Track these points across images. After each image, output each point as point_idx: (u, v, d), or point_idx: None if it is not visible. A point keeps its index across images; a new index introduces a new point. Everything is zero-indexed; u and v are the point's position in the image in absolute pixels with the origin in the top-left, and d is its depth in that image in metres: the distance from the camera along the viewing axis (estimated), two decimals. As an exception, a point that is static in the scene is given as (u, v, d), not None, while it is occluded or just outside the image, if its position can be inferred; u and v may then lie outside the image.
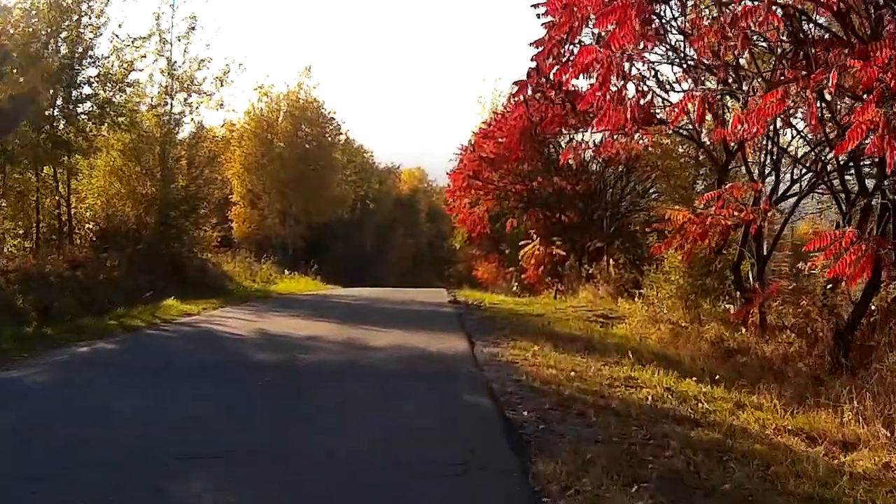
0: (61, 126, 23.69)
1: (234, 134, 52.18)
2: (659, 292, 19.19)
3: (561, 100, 21.75)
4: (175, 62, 28.82)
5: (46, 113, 23.16)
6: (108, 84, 24.63)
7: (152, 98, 29.06)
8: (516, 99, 24.85)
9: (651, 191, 34.05)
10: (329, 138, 55.03)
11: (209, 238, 35.24)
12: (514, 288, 34.47)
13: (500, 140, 31.32)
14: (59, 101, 23.72)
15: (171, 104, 29.59)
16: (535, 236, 34.43)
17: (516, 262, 46.00)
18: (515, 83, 13.67)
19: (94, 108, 24.23)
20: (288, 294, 31.09)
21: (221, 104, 31.84)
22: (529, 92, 14.41)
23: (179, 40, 28.76)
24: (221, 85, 30.61)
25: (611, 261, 30.71)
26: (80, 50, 23.71)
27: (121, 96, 25.48)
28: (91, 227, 26.58)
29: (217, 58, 52.93)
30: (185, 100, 30.09)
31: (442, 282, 68.18)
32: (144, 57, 26.23)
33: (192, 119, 31.26)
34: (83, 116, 24.26)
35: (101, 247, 25.00)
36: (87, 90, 24.32)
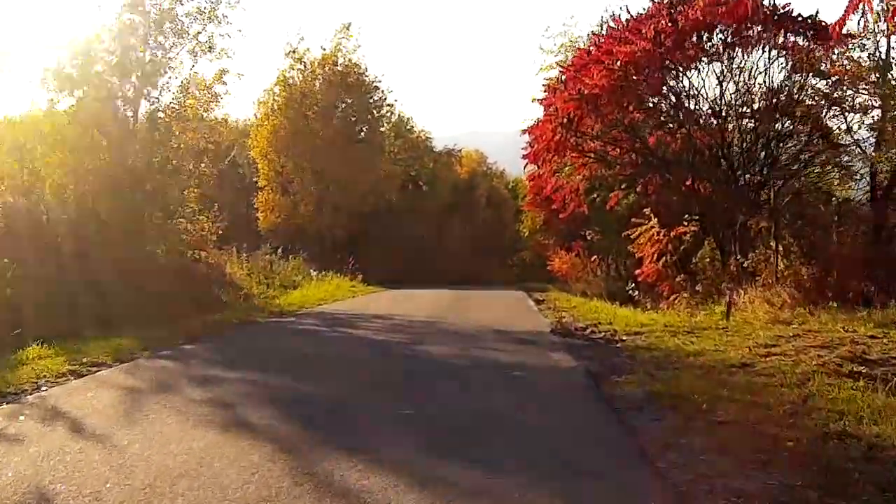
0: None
1: (261, 107, 40.99)
2: None
3: None
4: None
5: None
6: None
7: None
8: None
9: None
10: (374, 110, 43.01)
11: (199, 232, 23.97)
12: (630, 290, 22.12)
13: (611, 66, 18.95)
14: None
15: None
16: (651, 215, 22.05)
17: (610, 251, 33.75)
18: None
19: None
20: (299, 310, 19.94)
21: (211, 47, 22.34)
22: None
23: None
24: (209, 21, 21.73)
25: (779, 249, 18.55)
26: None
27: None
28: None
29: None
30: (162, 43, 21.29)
31: (507, 275, 56.93)
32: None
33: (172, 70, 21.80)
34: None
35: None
36: None
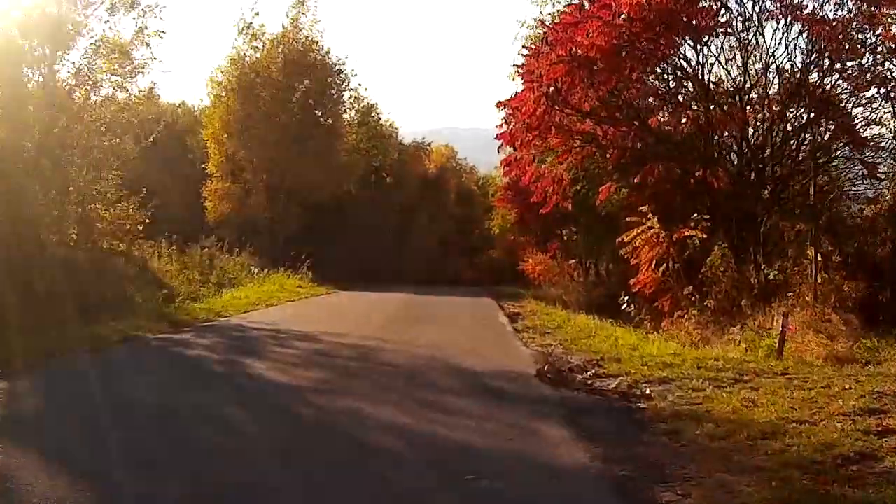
0: None
1: (213, 87, 36.17)
2: None
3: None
4: None
5: None
6: None
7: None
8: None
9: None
10: (334, 93, 38.18)
11: (117, 221, 20.09)
12: (624, 304, 17.51)
13: (611, 22, 14.32)
14: None
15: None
16: (649, 212, 17.53)
17: (590, 254, 29.33)
18: None
19: None
20: (216, 318, 15.39)
21: (133, 3, 18.63)
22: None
23: None
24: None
25: (817, 258, 14.32)
26: None
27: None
28: None
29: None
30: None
31: (475, 275, 52.54)
32: None
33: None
34: None
35: None
36: None
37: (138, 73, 19.90)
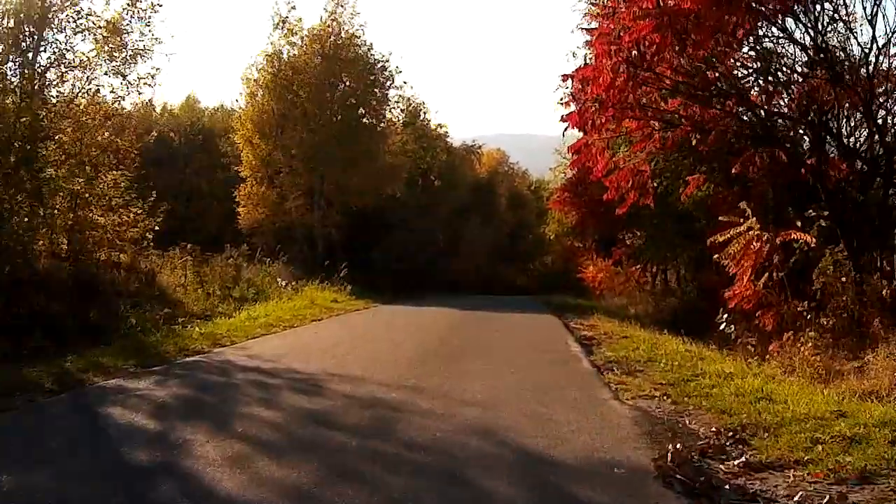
0: None
1: (246, 84, 33.02)
2: None
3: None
4: None
5: None
6: None
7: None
8: None
9: None
10: (378, 91, 34.66)
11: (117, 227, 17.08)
12: (723, 323, 13.53)
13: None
14: None
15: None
16: (748, 212, 13.60)
17: (658, 258, 25.41)
18: None
19: None
20: (212, 348, 11.82)
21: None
22: None
23: None
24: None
25: None
26: None
27: None
28: None
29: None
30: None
31: (529, 283, 49.10)
32: None
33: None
34: None
35: None
36: None
37: (138, 57, 16.69)
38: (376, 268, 34.44)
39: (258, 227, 32.56)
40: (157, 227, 18.40)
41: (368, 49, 34.46)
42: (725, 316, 13.50)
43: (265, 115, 32.51)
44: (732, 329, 13.30)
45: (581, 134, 13.81)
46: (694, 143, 13.77)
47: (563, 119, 13.42)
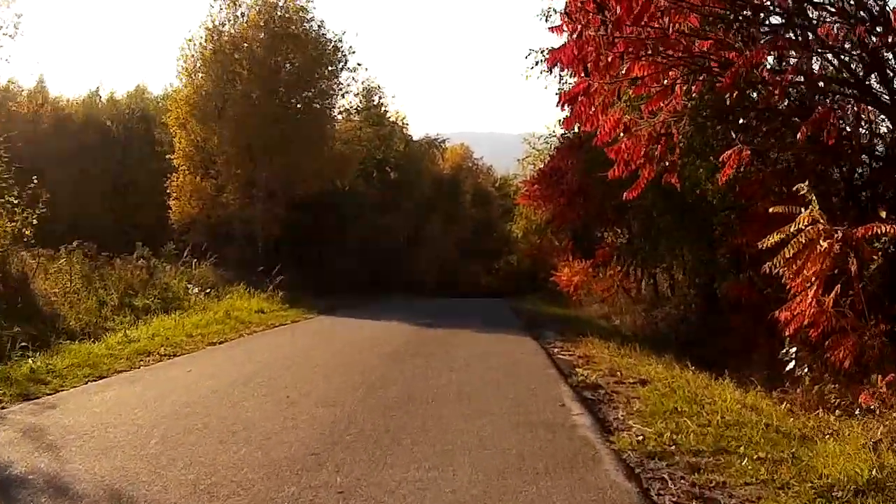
0: None
1: (185, 63, 28.06)
2: None
3: None
4: None
5: None
6: None
7: None
8: None
9: None
10: (327, 69, 29.64)
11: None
12: (788, 359, 8.83)
13: None
14: None
15: None
16: (809, 198, 8.79)
17: (658, 261, 20.74)
18: None
19: None
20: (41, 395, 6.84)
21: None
22: None
23: None
24: None
25: None
26: None
27: None
28: None
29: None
30: None
31: (495, 283, 45.38)
32: None
33: None
34: None
35: None
36: None
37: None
38: (327, 267, 29.64)
39: (189, 222, 27.55)
40: (34, 221, 13.80)
41: (319, 26, 29.56)
42: (793, 351, 8.81)
43: (202, 96, 27.47)
44: (805, 371, 8.62)
45: (572, 88, 9.01)
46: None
47: (550, 57, 8.69)
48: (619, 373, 9.26)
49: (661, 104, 9.47)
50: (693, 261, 16.23)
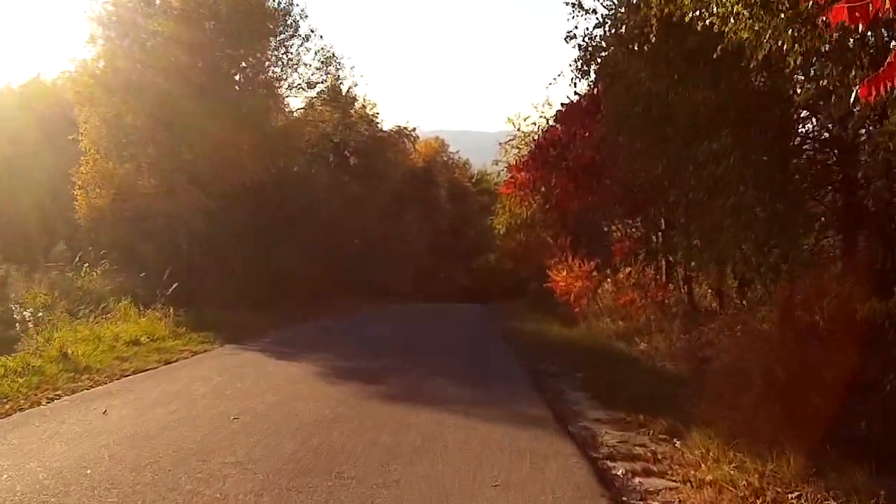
0: None
1: (91, 26, 21.38)
2: None
3: None
4: None
5: None
6: None
7: None
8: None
9: None
10: (265, 31, 22.86)
11: None
12: None
13: None
14: None
15: None
16: None
17: (723, 263, 14.05)
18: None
19: None
20: None
21: None
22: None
23: None
24: None
25: None
26: None
27: None
28: None
29: None
30: None
31: (472, 285, 40.21)
32: None
33: None
34: None
35: None
36: None
37: None
38: (275, 271, 23.05)
39: (99, 217, 20.89)
40: None
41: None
42: None
43: (113, 64, 20.73)
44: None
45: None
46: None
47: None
48: None
49: None
50: (782, 266, 9.59)
